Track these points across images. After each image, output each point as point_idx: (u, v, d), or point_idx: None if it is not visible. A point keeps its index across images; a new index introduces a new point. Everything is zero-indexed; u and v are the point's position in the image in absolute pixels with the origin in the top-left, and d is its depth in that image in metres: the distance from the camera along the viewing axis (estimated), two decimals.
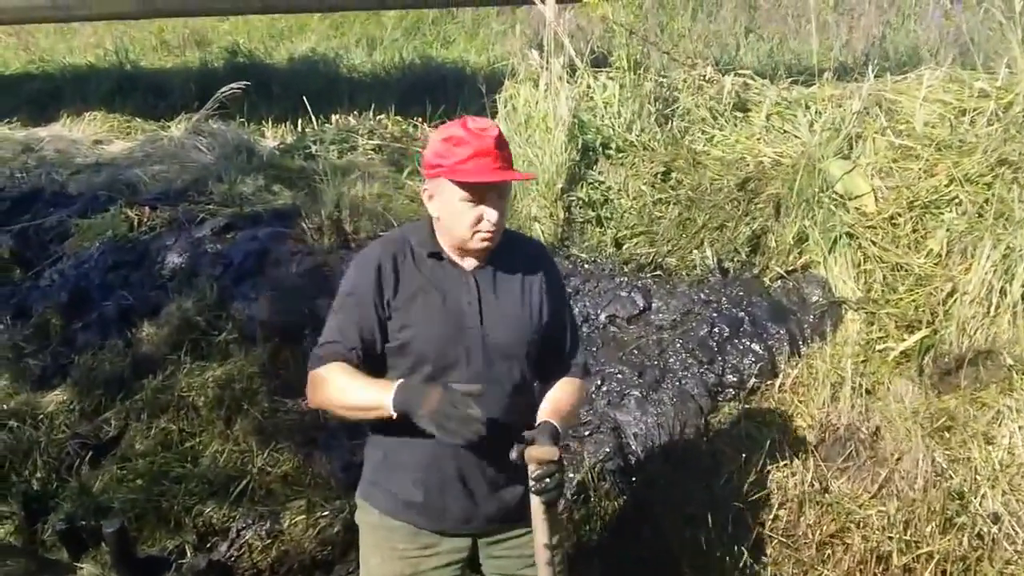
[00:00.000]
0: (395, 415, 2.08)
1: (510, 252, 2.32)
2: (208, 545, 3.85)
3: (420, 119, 6.91)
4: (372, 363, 2.26)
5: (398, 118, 6.96)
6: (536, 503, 2.16)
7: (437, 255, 2.28)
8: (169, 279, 4.83)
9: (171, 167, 6.14)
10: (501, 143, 2.16)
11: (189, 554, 3.82)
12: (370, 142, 6.33)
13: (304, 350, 4.27)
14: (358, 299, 2.26)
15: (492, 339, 2.25)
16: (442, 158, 2.16)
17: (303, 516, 3.75)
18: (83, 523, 3.94)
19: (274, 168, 5.86)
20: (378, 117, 6.99)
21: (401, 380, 2.14)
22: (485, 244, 2.22)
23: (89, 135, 7.88)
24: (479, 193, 2.15)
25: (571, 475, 3.50)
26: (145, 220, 5.28)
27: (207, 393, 4.26)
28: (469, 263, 2.29)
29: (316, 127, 6.76)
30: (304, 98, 6.54)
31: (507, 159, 2.18)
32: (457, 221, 2.19)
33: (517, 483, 2.30)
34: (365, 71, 9.03)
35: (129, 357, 4.58)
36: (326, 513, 3.75)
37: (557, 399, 2.35)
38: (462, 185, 2.13)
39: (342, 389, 2.18)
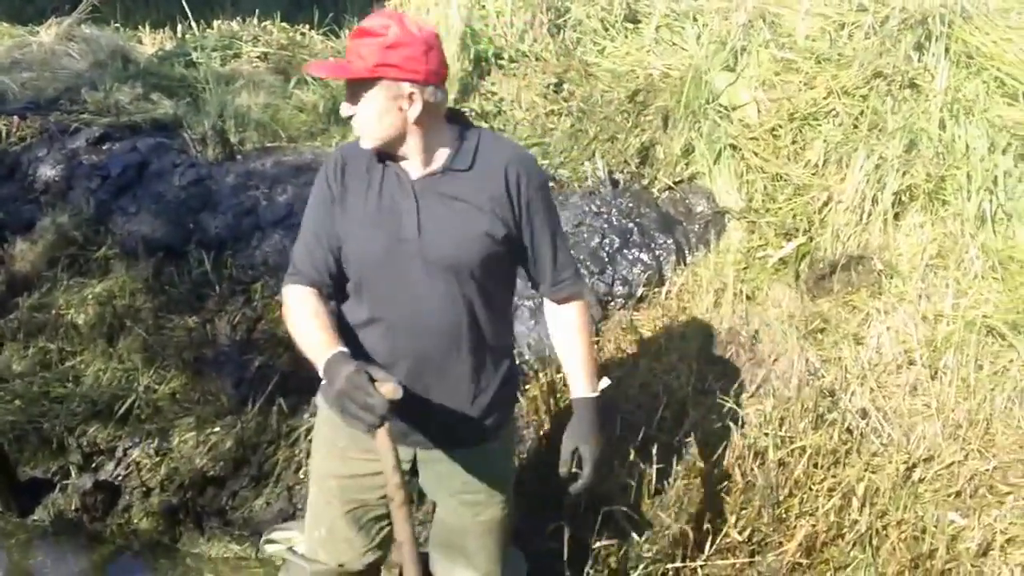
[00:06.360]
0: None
1: (474, 157, 2.12)
2: (94, 465, 3.79)
3: (307, 26, 6.66)
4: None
5: (284, 25, 6.68)
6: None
7: (390, 157, 2.12)
8: (42, 192, 4.60)
9: (41, 74, 5.77)
10: (360, 36, 2.01)
11: (74, 475, 3.75)
12: (255, 49, 6.07)
13: (190, 266, 4.17)
14: (318, 208, 2.17)
15: (432, 252, 2.10)
16: None
17: (193, 433, 3.72)
18: None
19: (153, 76, 5.57)
20: (263, 24, 6.69)
21: (336, 352, 1.98)
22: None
23: None
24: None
25: None
26: (14, 131, 4.99)
27: (87, 311, 4.12)
28: (416, 169, 2.13)
29: (197, 33, 6.44)
30: (183, 2, 6.22)
31: (357, 53, 2.00)
32: None
33: (465, 407, 2.24)
34: None
35: (1, 275, 4.39)
36: (217, 430, 3.72)
37: (578, 360, 2.32)
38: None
39: (295, 326, 2.12)
